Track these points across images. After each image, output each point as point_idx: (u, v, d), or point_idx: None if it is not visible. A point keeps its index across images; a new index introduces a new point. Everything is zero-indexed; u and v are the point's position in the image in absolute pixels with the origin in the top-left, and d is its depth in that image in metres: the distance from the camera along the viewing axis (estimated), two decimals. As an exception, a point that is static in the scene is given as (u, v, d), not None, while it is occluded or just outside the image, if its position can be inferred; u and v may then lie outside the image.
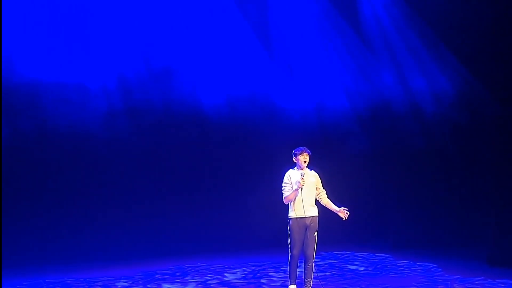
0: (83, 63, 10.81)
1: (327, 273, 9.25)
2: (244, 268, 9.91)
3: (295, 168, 7.50)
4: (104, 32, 10.88)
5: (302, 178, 7.25)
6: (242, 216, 11.70)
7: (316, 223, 7.44)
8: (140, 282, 8.95)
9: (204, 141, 11.75)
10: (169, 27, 11.31)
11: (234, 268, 9.91)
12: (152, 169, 11.44)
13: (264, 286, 8.59)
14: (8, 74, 10.28)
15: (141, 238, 11.14)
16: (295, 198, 7.32)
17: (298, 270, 7.53)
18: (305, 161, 7.39)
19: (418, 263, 9.92)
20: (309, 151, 7.46)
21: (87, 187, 10.94)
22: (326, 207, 7.58)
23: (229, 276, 9.29)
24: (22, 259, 10.17)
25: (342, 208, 7.45)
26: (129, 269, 9.94)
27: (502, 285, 8.28)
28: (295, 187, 7.31)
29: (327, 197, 7.61)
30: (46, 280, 9.21)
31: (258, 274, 9.41)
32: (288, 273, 7.59)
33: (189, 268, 9.99)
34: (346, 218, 7.46)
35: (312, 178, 7.50)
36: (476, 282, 8.46)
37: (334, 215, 7.61)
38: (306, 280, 7.50)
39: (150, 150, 11.41)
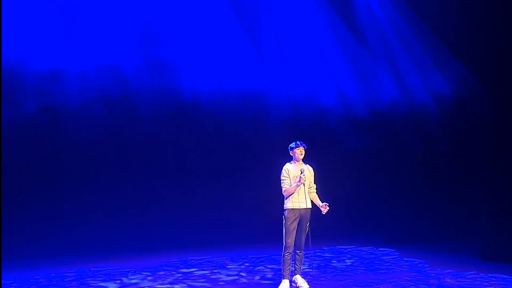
0: (78, 51, 10.90)
1: (317, 268, 9.34)
2: (243, 261, 10.14)
3: (292, 161, 7.92)
4: (101, 23, 11.01)
5: (304, 175, 7.67)
6: (245, 210, 11.89)
7: (309, 215, 7.87)
8: (143, 274, 9.19)
9: (204, 138, 11.97)
10: (165, 21, 11.48)
11: (234, 262, 10.13)
12: (153, 164, 11.63)
13: (258, 281, 8.74)
14: (6, 63, 10.35)
15: (146, 231, 11.35)
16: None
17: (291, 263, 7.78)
18: (301, 154, 7.85)
19: (405, 259, 10.06)
20: (305, 145, 7.88)
21: (90, 181, 11.07)
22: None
23: (229, 270, 9.47)
24: (20, 252, 10.35)
25: (324, 203, 7.87)
26: (134, 261, 10.19)
27: (494, 279, 8.39)
28: (294, 181, 7.71)
29: (316, 192, 8.05)
30: (61, 274, 9.34)
31: (260, 267, 9.61)
32: (281, 265, 7.80)
33: (192, 261, 10.23)
34: (325, 213, 7.85)
35: (308, 173, 7.92)
36: (469, 277, 8.58)
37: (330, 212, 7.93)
38: (296, 266, 7.98)
39: (151, 146, 11.59)
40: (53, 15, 10.69)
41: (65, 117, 10.89)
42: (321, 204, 7.90)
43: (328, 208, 7.84)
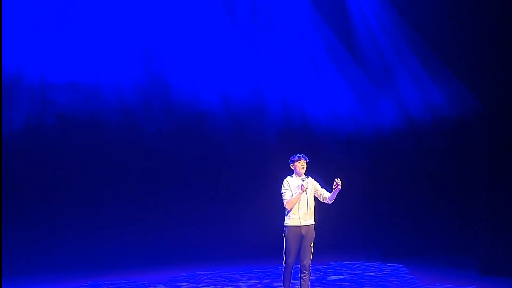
0: (77, 61, 10.93)
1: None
2: (250, 276, 10.39)
3: (293, 175, 7.56)
4: (99, 32, 11.08)
5: (306, 182, 7.37)
6: (252, 222, 11.94)
7: (312, 233, 7.48)
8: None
9: (209, 150, 12.07)
10: (165, 31, 11.58)
11: (243, 277, 10.33)
12: (161, 176, 11.74)
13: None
14: (7, 73, 10.40)
15: (151, 244, 11.45)
16: (296, 205, 7.36)
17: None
18: (303, 168, 7.47)
19: (403, 273, 10.21)
20: (306, 157, 7.53)
21: (94, 194, 11.14)
22: (332, 203, 7.57)
23: (236, 285, 9.66)
24: (21, 267, 10.46)
25: (334, 185, 7.34)
26: (142, 275, 10.47)
27: (494, 294, 8.61)
28: (296, 192, 7.34)
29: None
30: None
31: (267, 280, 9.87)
32: (282, 281, 7.64)
33: (201, 276, 10.45)
34: (340, 184, 7.32)
35: (310, 185, 7.51)
36: (467, 291, 8.78)
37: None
38: None
39: (156, 158, 11.66)
40: (53, 24, 10.79)
41: (67, 129, 11.02)
42: (333, 190, 7.38)
43: (339, 183, 7.30)
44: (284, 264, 7.55)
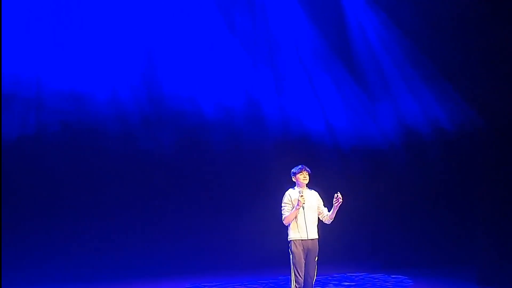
0: (75, 71, 11.17)
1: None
2: (255, 286, 10.50)
3: (295, 187, 7.21)
4: (97, 42, 11.34)
5: (302, 196, 6.95)
6: (255, 233, 12.07)
7: (316, 247, 7.11)
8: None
9: (212, 163, 12.26)
10: (163, 43, 11.86)
11: (248, 287, 10.44)
12: (159, 186, 11.91)
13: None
14: (4, 82, 10.59)
15: (156, 255, 11.63)
16: (295, 219, 7.01)
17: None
18: (304, 179, 7.13)
19: (402, 284, 10.25)
20: (308, 169, 7.18)
21: (96, 206, 11.32)
22: (331, 223, 7.30)
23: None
24: (22, 279, 10.57)
25: (334, 200, 7.06)
26: (147, 287, 10.63)
27: (492, 304, 8.69)
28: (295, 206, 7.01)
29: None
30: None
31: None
32: None
33: (206, 287, 10.54)
34: (341, 199, 7.04)
35: (313, 198, 7.21)
36: (466, 302, 8.85)
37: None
38: None
39: (159, 171, 11.88)
40: (51, 33, 11.00)
41: (65, 138, 11.20)
42: (333, 206, 7.09)
43: (340, 197, 7.01)
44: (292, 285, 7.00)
